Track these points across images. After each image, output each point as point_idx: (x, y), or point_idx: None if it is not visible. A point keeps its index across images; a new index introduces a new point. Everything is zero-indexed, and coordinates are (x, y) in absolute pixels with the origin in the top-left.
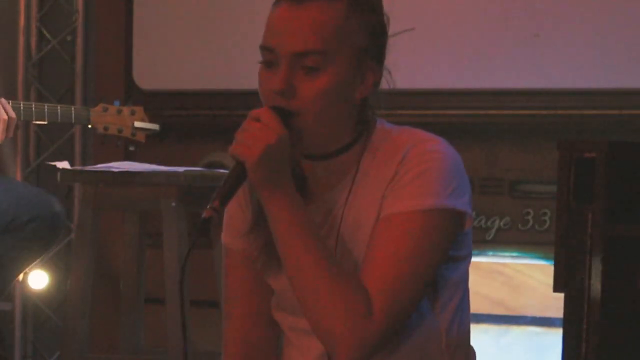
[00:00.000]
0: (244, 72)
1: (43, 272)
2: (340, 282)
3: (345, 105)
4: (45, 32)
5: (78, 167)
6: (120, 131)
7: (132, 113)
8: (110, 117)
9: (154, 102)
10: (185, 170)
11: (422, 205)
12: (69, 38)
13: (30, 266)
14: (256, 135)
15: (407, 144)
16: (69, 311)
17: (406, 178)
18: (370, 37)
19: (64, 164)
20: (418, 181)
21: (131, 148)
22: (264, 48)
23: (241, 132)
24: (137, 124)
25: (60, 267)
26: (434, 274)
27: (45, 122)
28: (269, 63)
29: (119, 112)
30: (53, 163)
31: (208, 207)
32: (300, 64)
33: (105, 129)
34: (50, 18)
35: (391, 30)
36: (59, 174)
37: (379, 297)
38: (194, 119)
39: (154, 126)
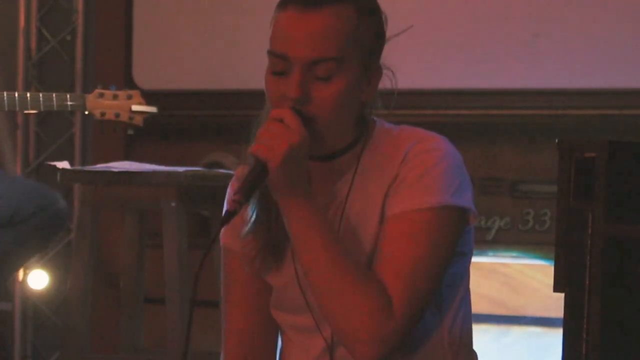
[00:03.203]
0: (244, 72)
1: (43, 272)
2: (359, 279)
3: (354, 108)
4: (45, 32)
5: (78, 167)
6: (117, 116)
7: (129, 97)
8: (106, 102)
9: (153, 102)
10: (185, 170)
11: (428, 203)
12: (69, 38)
13: (30, 261)
14: (280, 135)
15: (408, 142)
16: (69, 311)
17: (410, 177)
18: (376, 38)
19: (64, 164)
20: (422, 180)
21: (130, 132)
22: (275, 54)
23: (264, 132)
24: (135, 107)
25: (60, 267)
26: (446, 269)
27: (41, 110)
28: (279, 71)
29: (115, 96)
30: (53, 163)
31: (232, 200)
32: (314, 70)
33: (102, 114)
34: (50, 18)
35: (390, 30)
36: (59, 174)
37: (397, 294)
38: (194, 119)
39: (152, 109)
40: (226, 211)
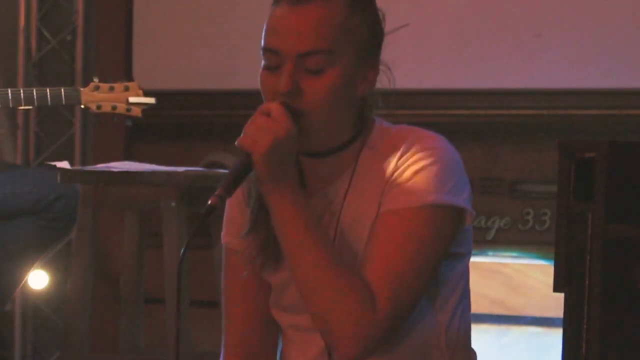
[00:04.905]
0: (244, 72)
1: (43, 272)
2: (343, 277)
3: (348, 103)
4: (45, 32)
5: (78, 167)
6: (114, 108)
7: (126, 89)
8: (102, 94)
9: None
10: (185, 170)
11: (422, 201)
12: (69, 38)
13: (54, 248)
14: (265, 128)
15: (406, 140)
16: (69, 311)
17: (405, 174)
18: (370, 33)
19: (64, 164)
20: (417, 178)
21: (128, 123)
22: (267, 50)
23: (250, 124)
24: (132, 99)
25: (60, 267)
26: (436, 269)
27: (35, 106)
28: (272, 66)
29: (112, 89)
30: (53, 163)
31: (214, 194)
32: (305, 63)
33: (98, 107)
34: (50, 18)
35: (388, 28)
36: (59, 174)
37: (382, 292)
38: (194, 119)
39: (150, 100)
40: (208, 205)
